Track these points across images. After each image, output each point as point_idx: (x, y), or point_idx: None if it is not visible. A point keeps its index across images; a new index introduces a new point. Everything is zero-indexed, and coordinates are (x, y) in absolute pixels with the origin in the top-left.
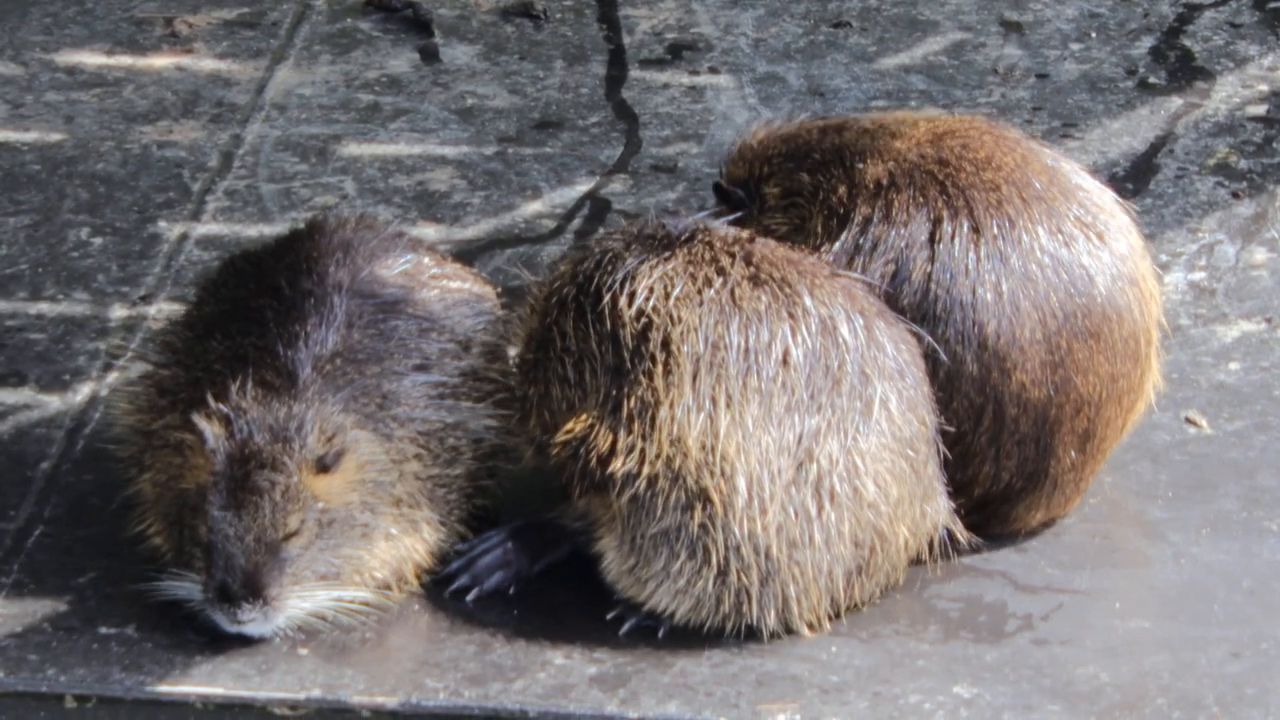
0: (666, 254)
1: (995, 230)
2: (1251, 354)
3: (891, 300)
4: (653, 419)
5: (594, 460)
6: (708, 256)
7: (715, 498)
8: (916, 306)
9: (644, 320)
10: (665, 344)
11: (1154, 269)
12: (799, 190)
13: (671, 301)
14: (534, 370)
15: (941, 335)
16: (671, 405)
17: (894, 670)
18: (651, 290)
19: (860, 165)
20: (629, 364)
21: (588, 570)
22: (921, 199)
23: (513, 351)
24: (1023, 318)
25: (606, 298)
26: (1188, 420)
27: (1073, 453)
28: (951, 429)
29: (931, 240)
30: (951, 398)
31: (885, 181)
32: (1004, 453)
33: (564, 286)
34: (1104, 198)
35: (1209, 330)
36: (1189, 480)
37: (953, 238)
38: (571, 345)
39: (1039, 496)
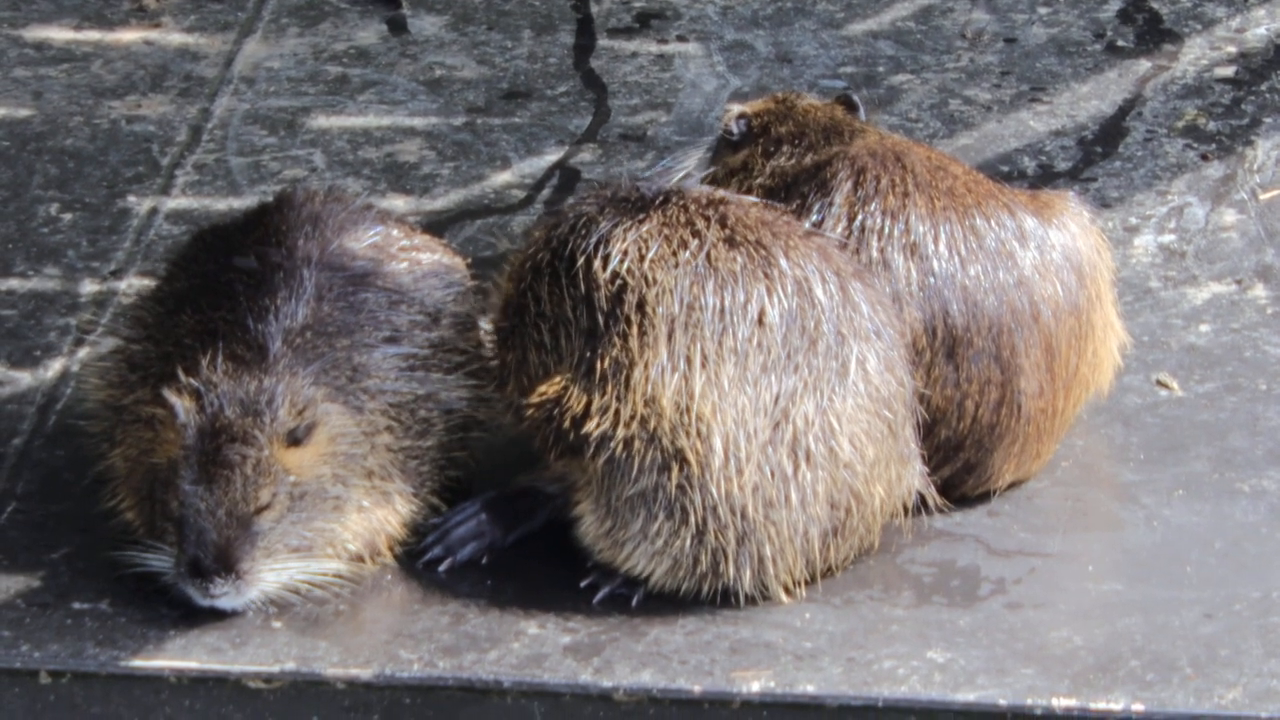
0: (641, 216)
1: (921, 168)
2: (1222, 316)
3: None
4: (627, 380)
5: (568, 422)
6: (682, 219)
7: (691, 458)
8: (841, 222)
9: (619, 283)
10: (640, 305)
11: (1102, 239)
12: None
13: (646, 263)
14: (510, 337)
15: (878, 247)
16: (646, 366)
17: (868, 636)
18: (626, 253)
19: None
20: (603, 326)
21: (561, 540)
22: (849, 155)
23: (487, 321)
24: (956, 228)
25: (581, 261)
26: (1158, 383)
27: (1040, 374)
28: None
29: (858, 182)
30: (901, 308)
31: (824, 159)
32: (964, 375)
33: (538, 252)
34: None
35: (1179, 292)
36: (1160, 442)
37: (879, 175)
38: (546, 310)
39: (1013, 441)
